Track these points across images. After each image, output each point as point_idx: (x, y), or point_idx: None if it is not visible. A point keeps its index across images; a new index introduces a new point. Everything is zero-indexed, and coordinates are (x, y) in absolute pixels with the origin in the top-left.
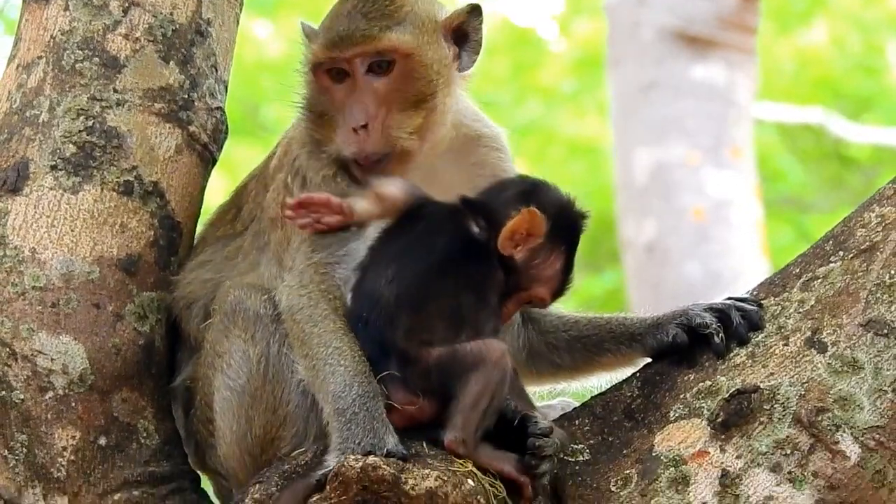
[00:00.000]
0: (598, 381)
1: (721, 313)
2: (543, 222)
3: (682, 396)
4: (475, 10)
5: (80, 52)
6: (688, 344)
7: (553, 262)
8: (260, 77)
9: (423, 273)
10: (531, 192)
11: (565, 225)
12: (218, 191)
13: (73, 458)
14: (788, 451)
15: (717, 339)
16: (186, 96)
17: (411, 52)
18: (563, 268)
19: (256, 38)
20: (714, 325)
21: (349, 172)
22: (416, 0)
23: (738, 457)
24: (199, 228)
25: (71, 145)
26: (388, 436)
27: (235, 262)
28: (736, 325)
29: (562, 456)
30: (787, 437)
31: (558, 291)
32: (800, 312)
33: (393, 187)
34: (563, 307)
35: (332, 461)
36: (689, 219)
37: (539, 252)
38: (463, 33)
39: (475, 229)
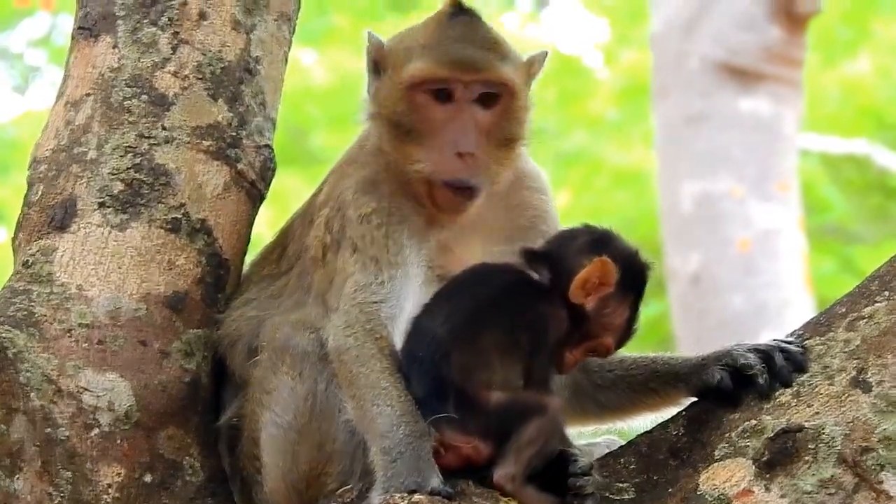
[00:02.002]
0: (643, 422)
1: (765, 354)
2: (615, 271)
3: (727, 435)
4: (546, 56)
5: (129, 89)
6: (731, 387)
7: (622, 311)
8: (306, 104)
9: (478, 308)
10: (601, 241)
11: (634, 274)
12: (264, 221)
13: (118, 494)
14: (833, 491)
15: (761, 381)
16: (235, 134)
17: (518, 91)
18: (630, 317)
19: (302, 65)
20: (758, 367)
21: (392, 212)
22: (508, 39)
23: (783, 496)
24: (245, 268)
25: (119, 182)
26: (432, 475)
27: (280, 301)
28: (780, 366)
29: (607, 494)
30: (832, 476)
31: (623, 340)
32: (845, 352)
33: None
34: None
35: (376, 499)
36: (734, 250)
37: (609, 301)
38: (532, 76)
39: (536, 276)
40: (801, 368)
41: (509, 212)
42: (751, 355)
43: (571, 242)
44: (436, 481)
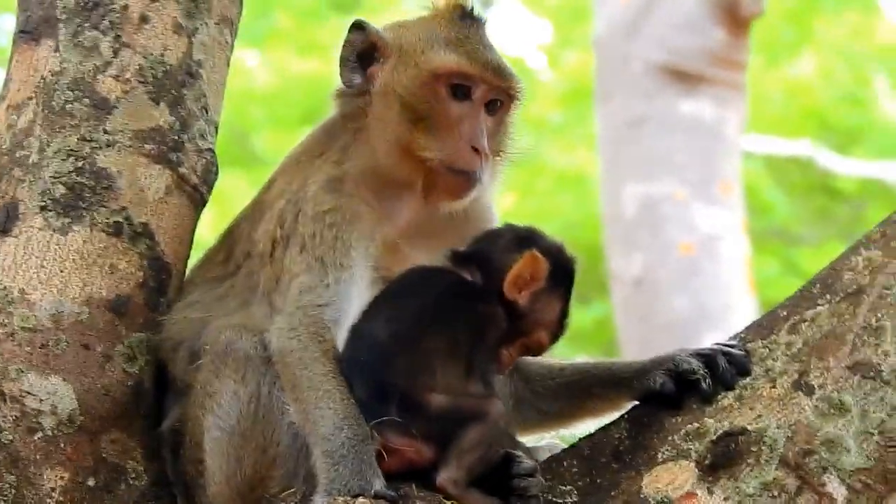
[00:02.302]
0: (585, 428)
1: (708, 359)
2: (545, 265)
3: (669, 438)
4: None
5: (71, 92)
6: (675, 392)
7: (553, 305)
8: (248, 106)
9: (419, 311)
10: (527, 238)
11: (562, 268)
12: (207, 223)
13: (61, 498)
14: (776, 493)
15: (704, 385)
16: (177, 137)
17: (518, 106)
18: (561, 311)
19: (245, 67)
20: (701, 371)
21: (346, 212)
22: None
23: (726, 499)
24: (188, 272)
25: (61, 186)
26: (375, 478)
27: (225, 302)
28: (722, 370)
29: (550, 497)
30: (775, 479)
31: (556, 335)
32: (787, 355)
33: None
34: (549, 355)
35: (319, 502)
36: (676, 253)
37: (540, 296)
38: None
39: (469, 277)
40: (744, 372)
41: (456, 217)
42: (693, 360)
43: (497, 241)
44: (378, 484)
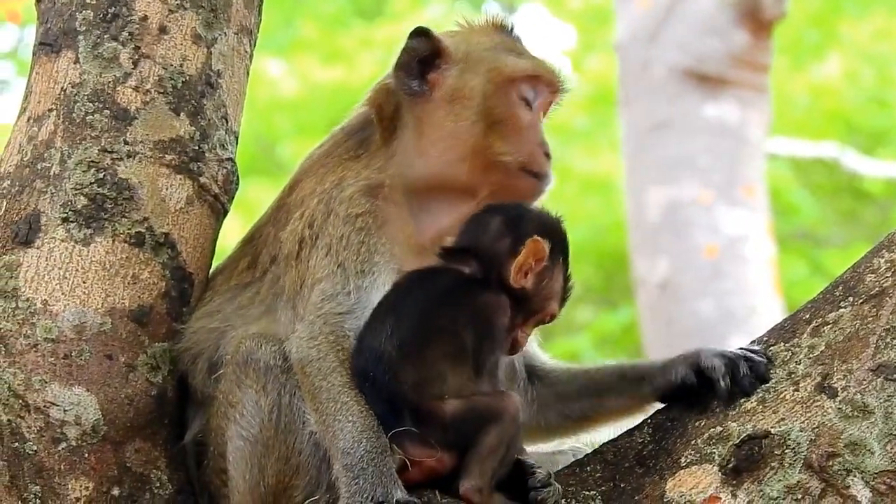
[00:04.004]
0: (608, 432)
1: (730, 361)
2: (547, 247)
3: (693, 442)
4: None
5: (91, 104)
6: (695, 384)
7: (557, 276)
8: (274, 115)
9: (421, 316)
10: (517, 219)
11: (558, 238)
12: (232, 231)
13: None
14: (799, 496)
15: (722, 385)
16: (197, 148)
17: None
18: (564, 277)
19: (270, 76)
20: (722, 370)
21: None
22: None
23: (750, 502)
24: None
25: (82, 197)
26: (395, 489)
27: (247, 311)
28: (743, 375)
29: (573, 502)
30: (798, 482)
31: (564, 300)
32: (810, 358)
33: None
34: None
35: None
36: (701, 257)
37: (545, 273)
38: None
39: (466, 270)
40: (763, 379)
41: None
42: (716, 360)
43: (487, 228)
44: (399, 494)
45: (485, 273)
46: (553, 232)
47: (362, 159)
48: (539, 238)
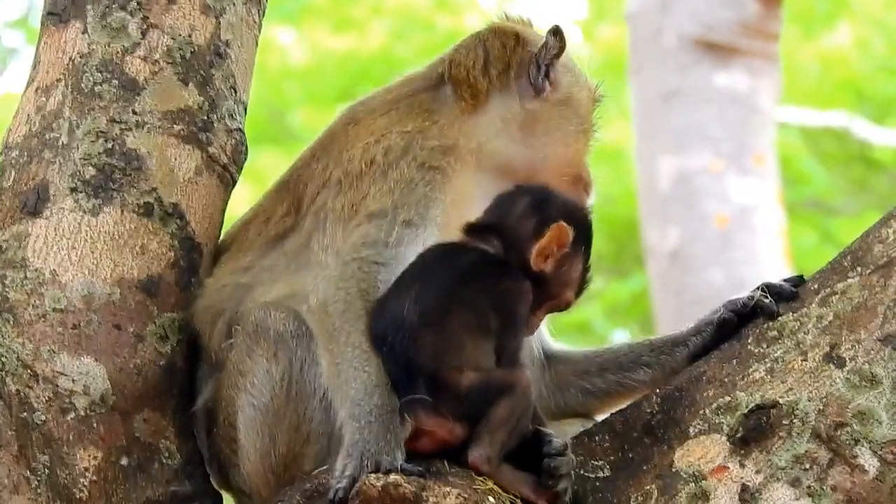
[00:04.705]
0: None
1: (757, 290)
2: (571, 233)
3: (701, 412)
4: None
5: (99, 74)
6: (735, 322)
7: (577, 264)
8: (284, 84)
9: (445, 289)
10: (543, 202)
11: (583, 228)
12: (241, 201)
13: (94, 478)
14: (808, 466)
15: (767, 301)
16: (206, 118)
17: None
18: (584, 267)
19: (280, 44)
20: (759, 295)
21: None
22: None
23: (758, 472)
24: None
25: (91, 167)
26: (397, 451)
27: (277, 268)
28: (779, 286)
29: (582, 472)
30: (807, 451)
31: (580, 291)
32: (818, 328)
33: None
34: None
35: (338, 464)
36: (712, 226)
37: (565, 260)
38: None
39: (491, 249)
40: (791, 297)
41: None
42: (743, 298)
43: (513, 208)
44: (399, 457)
45: (506, 253)
46: (579, 220)
47: (442, 118)
48: (564, 224)
